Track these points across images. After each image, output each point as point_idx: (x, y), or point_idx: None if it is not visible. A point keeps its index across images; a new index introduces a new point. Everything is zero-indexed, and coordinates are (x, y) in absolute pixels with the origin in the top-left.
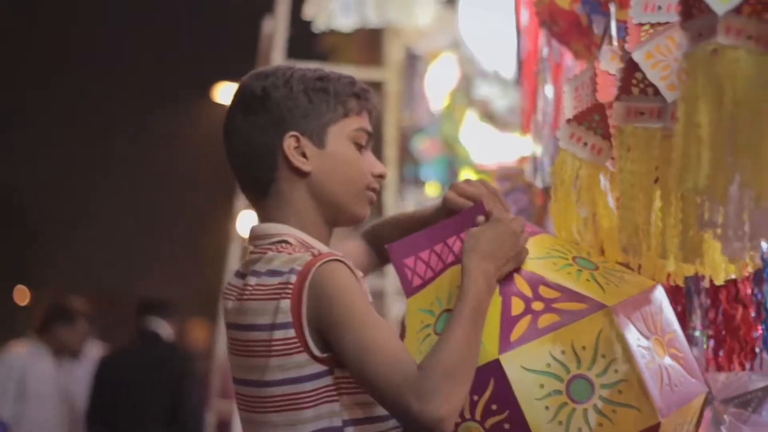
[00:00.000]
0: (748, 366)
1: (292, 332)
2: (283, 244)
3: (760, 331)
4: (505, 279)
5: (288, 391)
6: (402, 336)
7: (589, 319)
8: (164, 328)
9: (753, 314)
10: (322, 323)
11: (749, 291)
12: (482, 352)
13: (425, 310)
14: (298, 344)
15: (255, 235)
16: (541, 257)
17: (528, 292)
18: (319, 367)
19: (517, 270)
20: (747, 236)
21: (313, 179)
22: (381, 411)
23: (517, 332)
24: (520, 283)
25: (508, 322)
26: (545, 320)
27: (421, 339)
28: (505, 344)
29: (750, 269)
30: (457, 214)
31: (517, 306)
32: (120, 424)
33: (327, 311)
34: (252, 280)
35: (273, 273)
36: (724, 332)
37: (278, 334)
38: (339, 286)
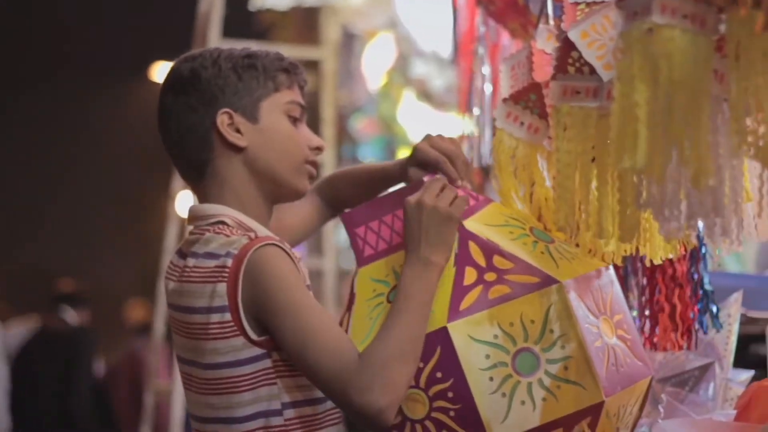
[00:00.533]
0: (685, 345)
1: (228, 316)
2: (220, 225)
3: (697, 311)
4: (461, 247)
5: (225, 375)
6: (351, 302)
7: (540, 293)
8: (72, 316)
9: (689, 294)
10: (259, 309)
11: (685, 270)
12: (431, 319)
13: (378, 280)
14: (235, 328)
15: (193, 216)
16: (498, 224)
17: (482, 262)
18: (257, 351)
19: (473, 237)
20: (684, 215)
21: (250, 154)
22: (320, 393)
23: (467, 301)
24: (474, 251)
25: (459, 291)
26: (496, 291)
27: (372, 306)
28: (454, 313)
29: (686, 249)
30: (404, 187)
31: (469, 275)
32: (22, 401)
33: (264, 298)
34: (191, 262)
35: (210, 255)
36: (660, 312)
37: (215, 317)
38: (275, 273)
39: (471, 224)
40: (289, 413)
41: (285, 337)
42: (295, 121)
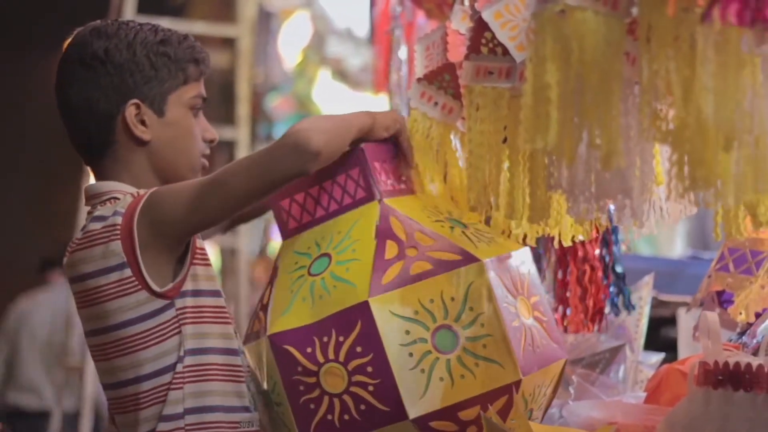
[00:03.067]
0: (596, 327)
1: (128, 272)
2: (112, 200)
3: (608, 293)
4: (382, 221)
5: (130, 333)
6: (274, 275)
7: (460, 270)
8: None
9: (601, 276)
10: (171, 228)
11: (597, 253)
12: (352, 294)
13: (301, 253)
14: (136, 283)
15: (89, 195)
16: (416, 209)
17: (403, 236)
18: (160, 302)
19: (395, 213)
20: (594, 197)
21: (153, 148)
22: (221, 343)
23: (388, 276)
24: (395, 226)
25: (380, 265)
26: (417, 267)
27: (294, 279)
28: (375, 287)
29: (597, 231)
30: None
31: (390, 249)
32: None
33: (170, 212)
34: (79, 234)
35: (95, 219)
36: (571, 294)
37: (112, 276)
38: (170, 190)
39: (391, 203)
40: (190, 360)
41: (210, 206)
42: (196, 112)
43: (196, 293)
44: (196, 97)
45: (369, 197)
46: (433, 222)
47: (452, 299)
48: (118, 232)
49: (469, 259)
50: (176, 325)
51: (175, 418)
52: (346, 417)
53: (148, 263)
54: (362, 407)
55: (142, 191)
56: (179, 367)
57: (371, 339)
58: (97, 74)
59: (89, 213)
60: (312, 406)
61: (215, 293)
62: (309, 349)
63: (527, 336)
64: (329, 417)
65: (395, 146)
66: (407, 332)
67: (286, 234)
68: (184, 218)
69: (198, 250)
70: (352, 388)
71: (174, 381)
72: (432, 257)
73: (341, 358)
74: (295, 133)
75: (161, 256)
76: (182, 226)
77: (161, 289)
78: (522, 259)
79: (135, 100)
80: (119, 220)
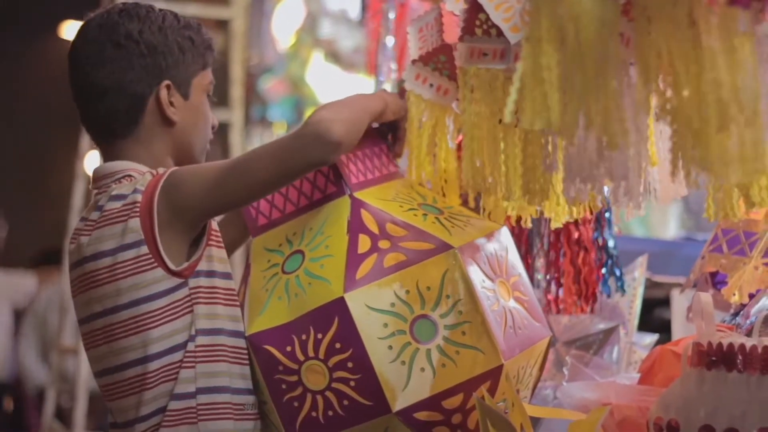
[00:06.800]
0: (589, 309)
1: (144, 249)
2: (127, 178)
3: (601, 274)
4: (353, 215)
5: (142, 311)
6: (247, 273)
7: (434, 259)
8: None
9: (594, 257)
10: (193, 206)
11: (590, 234)
12: (327, 290)
13: (272, 250)
14: (152, 261)
15: (99, 176)
16: (387, 200)
17: (375, 229)
18: (175, 281)
19: (365, 206)
20: (590, 178)
21: (176, 130)
22: (230, 325)
23: (362, 270)
24: (367, 219)
25: (353, 259)
26: (391, 259)
27: (267, 277)
28: (350, 282)
29: (592, 212)
30: None
31: (363, 243)
32: None
33: (192, 190)
34: (94, 215)
35: (115, 198)
36: (565, 275)
37: (128, 254)
38: (191, 170)
39: (361, 196)
40: (203, 339)
41: (230, 190)
42: (209, 97)
43: (210, 274)
44: (210, 83)
45: (339, 192)
46: (405, 211)
47: (428, 288)
48: (138, 209)
49: (442, 247)
50: (188, 304)
51: (187, 397)
52: (331, 413)
53: (165, 242)
54: (346, 403)
55: (160, 170)
56: (191, 346)
57: (350, 334)
58: (131, 55)
59: (99, 193)
60: (296, 404)
61: (227, 275)
62: (288, 348)
63: (508, 319)
64: (314, 414)
65: (379, 132)
66: (385, 325)
67: (255, 231)
68: (203, 200)
69: (213, 232)
70: (334, 385)
71: (185, 359)
72: (405, 248)
73: (321, 355)
74: (316, 123)
75: (179, 236)
76: (201, 207)
77: (177, 268)
78: (499, 240)
79: (167, 82)
80: (139, 197)
